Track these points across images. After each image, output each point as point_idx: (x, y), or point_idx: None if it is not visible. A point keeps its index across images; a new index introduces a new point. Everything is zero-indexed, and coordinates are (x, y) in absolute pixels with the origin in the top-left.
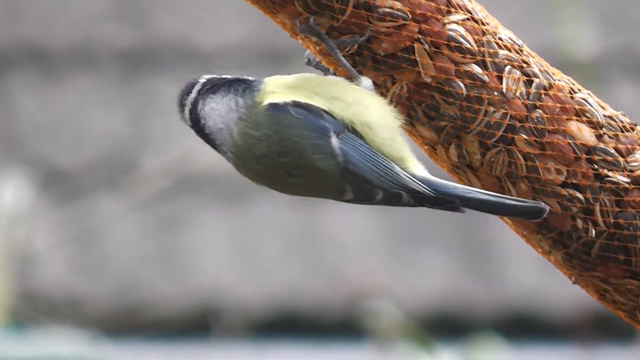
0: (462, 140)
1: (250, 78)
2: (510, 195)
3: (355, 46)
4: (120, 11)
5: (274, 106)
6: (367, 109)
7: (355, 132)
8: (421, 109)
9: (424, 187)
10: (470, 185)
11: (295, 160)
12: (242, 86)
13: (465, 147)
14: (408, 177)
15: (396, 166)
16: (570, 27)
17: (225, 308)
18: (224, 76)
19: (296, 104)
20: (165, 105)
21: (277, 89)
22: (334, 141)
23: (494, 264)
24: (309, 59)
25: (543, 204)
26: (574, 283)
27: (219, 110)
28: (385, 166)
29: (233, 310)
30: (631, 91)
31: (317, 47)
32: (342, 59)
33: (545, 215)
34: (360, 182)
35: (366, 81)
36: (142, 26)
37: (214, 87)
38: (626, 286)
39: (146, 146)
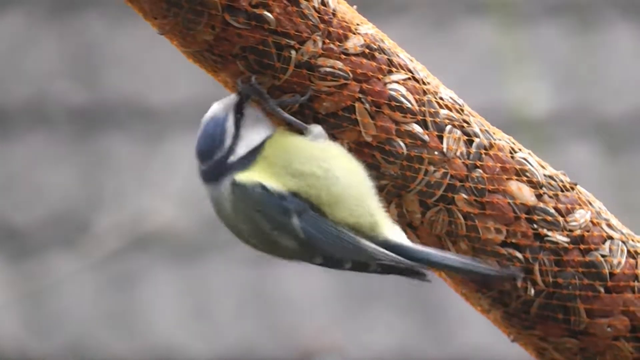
0: (402, 199)
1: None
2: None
3: (297, 105)
4: (72, 69)
5: (238, 186)
6: (337, 180)
7: (321, 205)
8: None
9: (391, 257)
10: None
11: (257, 234)
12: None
13: (405, 206)
14: (375, 248)
15: (362, 239)
16: (521, 86)
17: None
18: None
19: (260, 186)
20: (119, 163)
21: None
22: (295, 221)
23: (446, 322)
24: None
25: (513, 269)
26: (512, 341)
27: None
28: (348, 241)
29: None
30: (582, 150)
31: (260, 106)
32: (285, 115)
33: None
34: (326, 254)
35: (315, 129)
36: (95, 84)
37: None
38: (565, 345)
39: (99, 204)
